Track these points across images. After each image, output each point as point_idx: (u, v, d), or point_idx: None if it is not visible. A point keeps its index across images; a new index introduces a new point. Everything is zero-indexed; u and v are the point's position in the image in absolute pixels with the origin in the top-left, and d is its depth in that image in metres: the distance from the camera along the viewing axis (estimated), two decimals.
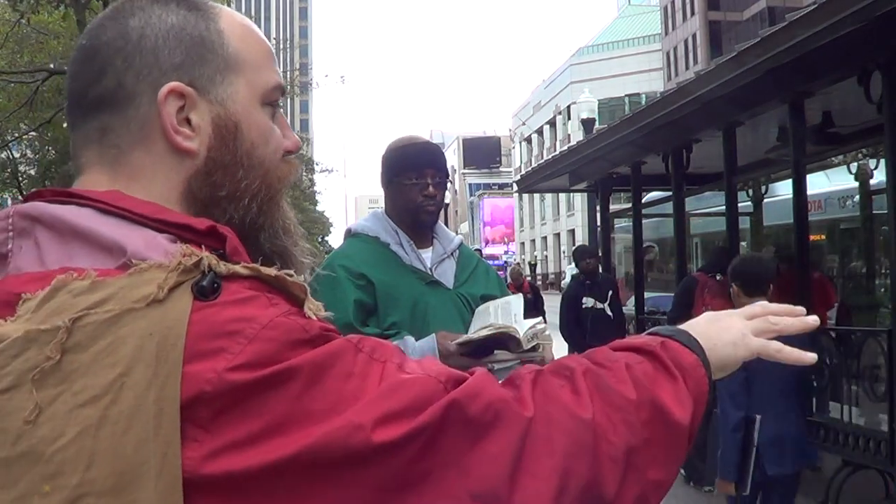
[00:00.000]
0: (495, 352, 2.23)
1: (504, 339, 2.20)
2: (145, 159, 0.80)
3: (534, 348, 2.24)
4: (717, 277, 6.54)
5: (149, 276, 0.68)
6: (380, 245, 2.42)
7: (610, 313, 7.32)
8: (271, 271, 0.73)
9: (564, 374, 0.81)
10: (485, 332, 2.20)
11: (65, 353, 0.64)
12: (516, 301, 2.32)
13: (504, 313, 2.27)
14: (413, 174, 2.40)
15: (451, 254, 2.50)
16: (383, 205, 2.56)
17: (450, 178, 2.50)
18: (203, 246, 0.72)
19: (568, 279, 47.88)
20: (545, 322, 2.34)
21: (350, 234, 2.53)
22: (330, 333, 0.72)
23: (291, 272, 0.74)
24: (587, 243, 11.23)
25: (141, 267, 0.68)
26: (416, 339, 2.26)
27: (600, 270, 8.58)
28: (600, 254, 11.56)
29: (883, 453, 5.24)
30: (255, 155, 0.84)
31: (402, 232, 2.44)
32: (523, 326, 2.22)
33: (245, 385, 0.65)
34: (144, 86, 0.79)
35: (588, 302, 7.34)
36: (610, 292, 7.44)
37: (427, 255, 2.46)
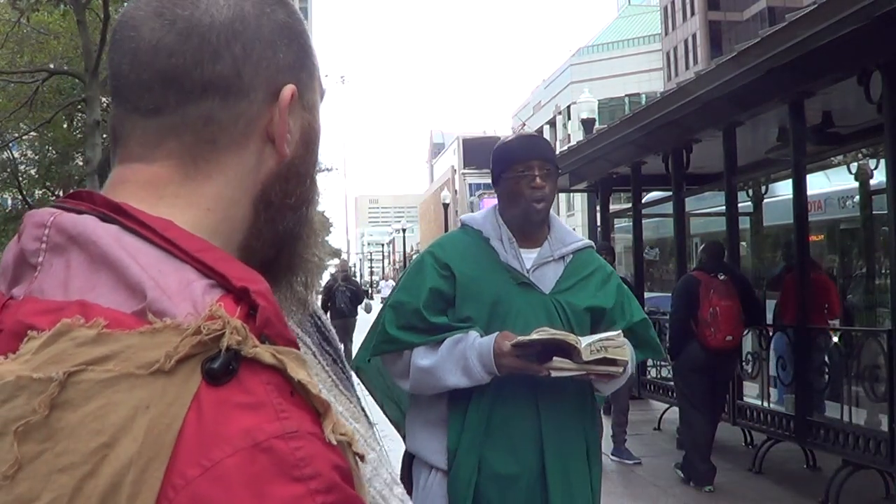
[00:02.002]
0: (554, 359, 2.17)
1: (566, 348, 2.16)
2: (231, 158, 0.74)
3: (603, 361, 2.17)
4: (721, 277, 6.48)
5: (161, 338, 0.60)
6: (480, 239, 2.37)
7: None
8: (299, 372, 0.63)
9: None
10: (537, 337, 2.16)
11: (54, 409, 0.58)
12: (613, 335, 2.22)
13: (591, 336, 2.21)
14: (519, 166, 2.32)
15: (562, 258, 2.38)
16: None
17: (559, 170, 2.45)
18: (239, 306, 0.64)
19: None
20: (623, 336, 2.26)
21: (461, 226, 2.50)
22: (330, 477, 0.61)
23: (318, 386, 0.64)
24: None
25: (156, 326, 0.61)
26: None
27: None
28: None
29: (883, 453, 5.24)
30: (316, 164, 0.82)
31: (505, 228, 2.36)
32: (590, 338, 2.17)
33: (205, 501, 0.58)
34: (260, 81, 0.74)
35: None
36: None
37: (531, 255, 2.36)
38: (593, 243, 2.54)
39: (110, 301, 0.63)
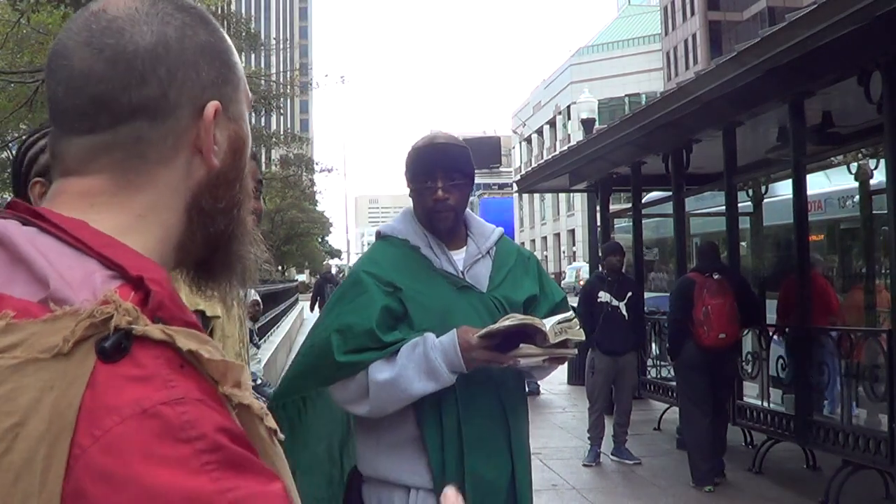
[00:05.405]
0: (521, 346, 2.14)
1: (531, 333, 2.12)
2: (161, 171, 0.81)
3: (563, 343, 2.15)
4: (715, 277, 6.54)
5: (60, 324, 0.67)
6: (410, 249, 2.32)
7: (625, 313, 7.32)
8: (189, 342, 0.69)
9: None
10: (507, 323, 2.10)
11: None
12: (567, 316, 2.21)
13: (547, 319, 2.19)
14: (423, 178, 2.30)
15: (488, 252, 2.37)
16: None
17: (472, 176, 2.39)
18: (135, 292, 0.70)
19: (568, 279, 47.34)
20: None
21: (380, 237, 2.41)
22: (215, 439, 0.65)
23: (210, 349, 0.70)
24: (587, 243, 11.18)
25: (56, 313, 0.68)
26: None
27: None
28: (599, 253, 11.56)
29: (883, 453, 5.24)
30: (245, 167, 0.88)
31: (430, 234, 2.33)
32: (551, 320, 2.15)
33: (95, 471, 0.63)
34: (185, 99, 0.80)
35: (603, 297, 7.34)
36: (630, 293, 7.41)
37: (460, 256, 2.34)
38: (503, 228, 2.53)
39: (23, 292, 0.70)
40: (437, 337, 2.16)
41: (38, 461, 0.63)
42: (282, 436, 0.74)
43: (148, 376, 0.66)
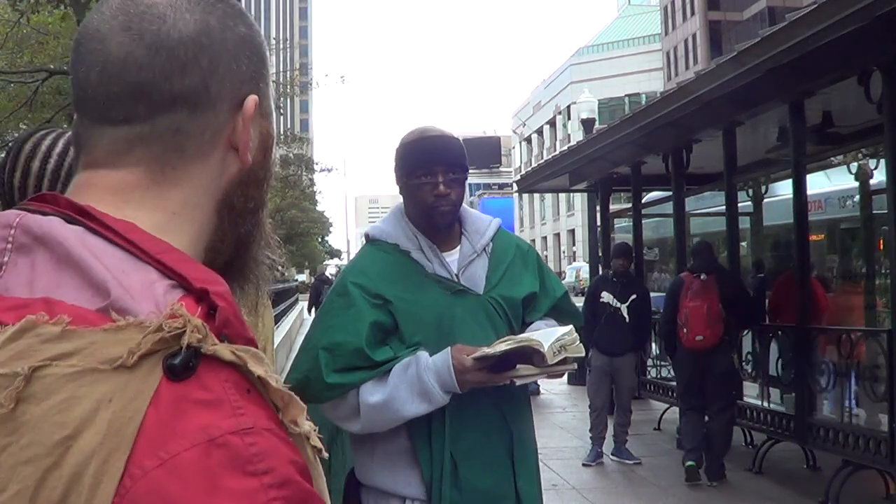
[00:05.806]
0: (518, 366, 2.07)
1: (528, 353, 2.05)
2: (197, 166, 0.77)
3: (562, 361, 2.07)
4: (702, 277, 6.58)
5: (124, 335, 0.63)
6: (399, 254, 2.21)
7: (626, 315, 7.34)
8: (258, 368, 0.65)
9: None
10: (503, 347, 2.03)
11: (19, 403, 0.60)
12: (566, 333, 2.11)
13: (545, 336, 2.11)
14: (422, 172, 2.16)
15: (484, 249, 2.25)
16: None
17: (468, 170, 2.28)
18: (199, 306, 0.67)
19: (568, 278, 47.41)
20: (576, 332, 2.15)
21: (369, 241, 2.30)
22: (285, 472, 0.63)
23: (275, 376, 0.67)
24: (587, 243, 11.17)
25: (119, 324, 0.63)
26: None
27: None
28: (599, 253, 11.57)
29: (883, 453, 5.25)
30: (272, 167, 0.85)
31: (421, 235, 2.21)
32: (550, 338, 2.07)
33: (159, 495, 0.59)
34: (226, 93, 0.77)
35: (606, 298, 7.37)
36: (634, 296, 7.41)
37: (453, 258, 2.22)
38: (499, 220, 2.39)
39: (75, 299, 0.65)
40: (431, 348, 2.09)
41: (87, 477, 0.59)
42: (325, 454, 0.72)
43: (215, 401, 0.62)
